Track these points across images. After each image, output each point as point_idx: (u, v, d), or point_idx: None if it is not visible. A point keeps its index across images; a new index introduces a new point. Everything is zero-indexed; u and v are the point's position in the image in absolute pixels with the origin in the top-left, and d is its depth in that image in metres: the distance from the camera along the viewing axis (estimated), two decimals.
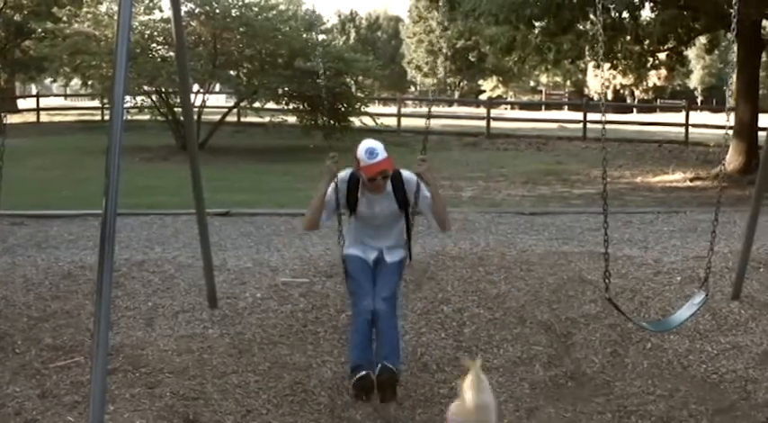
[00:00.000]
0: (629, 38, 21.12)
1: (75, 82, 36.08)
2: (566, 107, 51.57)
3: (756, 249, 7.94)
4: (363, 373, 5.51)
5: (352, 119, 26.30)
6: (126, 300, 7.28)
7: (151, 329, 6.82)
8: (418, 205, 6.09)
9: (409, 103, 38.04)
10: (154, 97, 25.14)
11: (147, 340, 6.63)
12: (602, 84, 6.76)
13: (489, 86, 70.32)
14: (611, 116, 35.05)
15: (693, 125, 29.81)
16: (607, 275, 5.53)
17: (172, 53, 24.43)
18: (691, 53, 43.49)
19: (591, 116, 30.39)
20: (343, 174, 6.08)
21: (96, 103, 32.85)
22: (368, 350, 5.70)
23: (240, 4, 25.21)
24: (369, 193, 6.06)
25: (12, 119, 31.63)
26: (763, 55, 22.39)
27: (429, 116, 6.85)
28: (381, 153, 5.88)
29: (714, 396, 6.23)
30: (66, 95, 48.08)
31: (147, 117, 25.94)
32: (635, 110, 52.41)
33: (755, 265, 8.09)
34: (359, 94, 26.84)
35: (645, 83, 59.96)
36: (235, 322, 6.98)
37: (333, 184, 6.02)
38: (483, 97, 60.10)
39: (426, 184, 6.11)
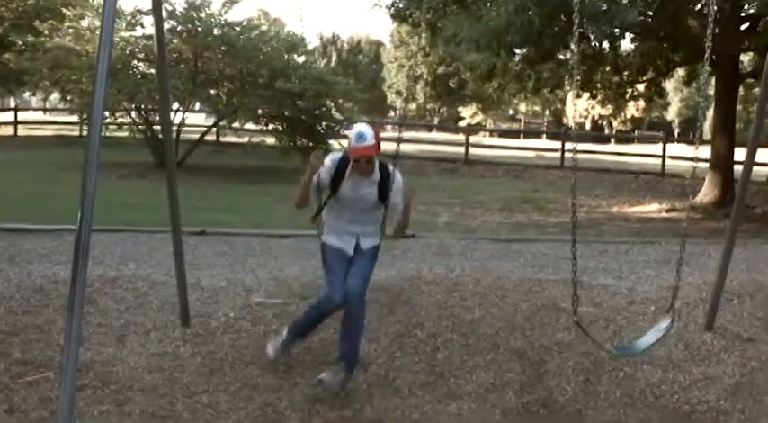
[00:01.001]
0: (608, 68, 21.28)
1: (55, 96, 35.96)
2: (544, 136, 51.84)
3: (730, 281, 7.99)
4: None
5: (331, 141, 26.30)
6: (98, 316, 7.23)
7: (122, 346, 6.77)
8: (390, 202, 6.36)
9: (389, 127, 38.09)
10: (133, 114, 25.04)
11: (118, 357, 6.57)
12: (575, 112, 6.80)
13: (469, 113, 70.65)
14: (588, 146, 35.32)
15: (670, 157, 30.03)
16: (575, 299, 5.55)
17: (152, 70, 24.38)
18: (669, 85, 43.91)
19: (569, 145, 30.56)
20: (335, 155, 6.49)
21: (75, 118, 32.71)
22: (308, 332, 6.55)
23: (222, 23, 25.19)
24: (356, 176, 6.35)
25: None
26: (741, 89, 22.57)
27: (399, 140, 7.00)
28: (369, 139, 6.17)
29: None
30: (45, 109, 47.94)
31: (125, 134, 25.82)
32: (612, 140, 52.73)
33: (729, 297, 8.14)
34: (338, 117, 26.84)
35: (623, 114, 60.51)
36: (207, 341, 6.94)
37: (322, 168, 6.29)
38: (462, 124, 60.33)
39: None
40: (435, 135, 47.12)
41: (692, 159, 6.92)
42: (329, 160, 6.41)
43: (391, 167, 6.44)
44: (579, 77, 20.36)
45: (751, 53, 22.54)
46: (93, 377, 6.19)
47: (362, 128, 6.24)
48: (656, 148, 32.93)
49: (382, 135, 7.19)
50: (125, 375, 6.29)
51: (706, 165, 20.28)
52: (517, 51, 19.59)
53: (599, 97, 23.88)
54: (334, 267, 6.26)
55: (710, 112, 20.04)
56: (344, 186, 6.36)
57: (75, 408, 4.70)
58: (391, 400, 6.38)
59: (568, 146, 29.72)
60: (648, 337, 6.13)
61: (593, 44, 19.34)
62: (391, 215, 6.43)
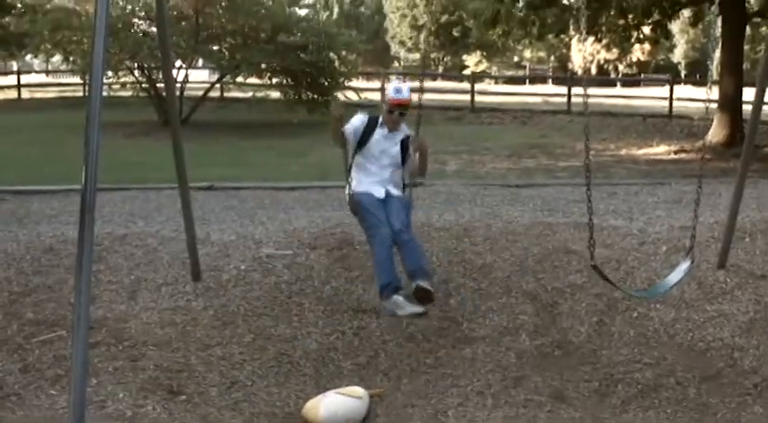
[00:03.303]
0: (613, 11, 21.03)
1: (57, 58, 35.73)
2: (550, 81, 51.48)
3: (741, 219, 7.94)
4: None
5: (335, 93, 26.16)
6: (108, 273, 7.21)
7: (134, 303, 6.76)
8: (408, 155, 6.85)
9: (393, 77, 37.85)
10: (136, 73, 24.92)
11: (130, 313, 6.57)
12: (583, 57, 6.75)
13: (473, 62, 70.08)
14: (595, 90, 35.04)
15: (678, 99, 29.79)
16: (592, 243, 5.50)
17: (153, 28, 24.22)
18: (674, 27, 43.50)
19: (575, 90, 30.35)
20: (363, 116, 6.89)
21: (78, 79, 32.48)
22: (394, 271, 6.35)
23: None
24: (386, 130, 6.82)
25: None
26: (748, 28, 22.30)
27: (421, 90, 7.09)
28: (405, 93, 6.86)
29: (701, 364, 6.23)
30: (47, 72, 47.64)
31: (128, 93, 25.70)
32: (619, 84, 52.34)
33: (741, 235, 8.09)
34: (342, 69, 26.65)
35: (629, 58, 59.92)
36: (219, 295, 6.94)
37: (348, 126, 6.76)
38: (467, 73, 59.93)
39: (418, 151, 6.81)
40: (440, 84, 46.81)
41: (700, 100, 6.85)
42: (358, 120, 6.83)
43: (407, 129, 6.93)
44: (584, 21, 20.14)
45: None
46: (107, 334, 6.19)
47: (399, 84, 6.95)
48: (663, 91, 32.67)
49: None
50: (138, 331, 6.29)
51: (714, 105, 20.12)
52: None
53: (604, 41, 23.61)
54: (373, 210, 6.52)
55: (718, 53, 19.73)
56: (373, 140, 6.77)
57: (90, 365, 4.70)
58: (405, 347, 6.39)
59: (575, 90, 29.54)
60: (669, 280, 6.11)
61: None
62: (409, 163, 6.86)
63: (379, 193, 6.67)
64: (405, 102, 6.84)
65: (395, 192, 6.77)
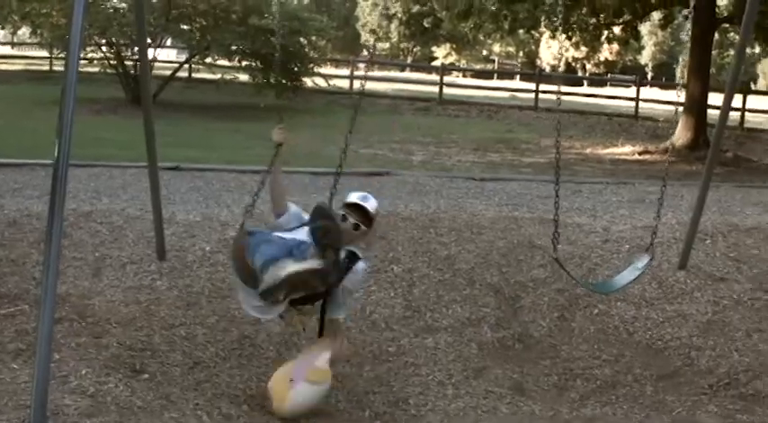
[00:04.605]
0: (585, 9, 21.19)
1: (23, 31, 35.30)
2: (518, 77, 51.64)
3: (703, 222, 8.04)
4: None
5: (304, 79, 26.11)
6: (73, 250, 7.17)
7: (98, 280, 6.74)
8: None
9: (361, 65, 37.79)
10: (104, 49, 24.69)
11: (94, 290, 6.55)
12: (551, 54, 6.79)
13: (442, 53, 70.17)
14: (562, 88, 35.22)
15: (643, 100, 30.08)
16: (556, 236, 5.56)
17: (124, 4, 24.03)
18: (643, 29, 43.76)
19: (543, 86, 30.53)
20: (299, 213, 5.53)
21: (45, 53, 32.11)
22: None
23: None
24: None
25: None
26: (716, 34, 22.52)
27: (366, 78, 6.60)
28: (371, 203, 5.36)
29: (658, 362, 6.33)
30: (13, 44, 47.09)
31: (96, 69, 25.45)
32: (586, 83, 52.65)
33: (702, 237, 8.21)
34: (312, 55, 26.59)
35: (597, 57, 60.27)
36: (183, 275, 6.93)
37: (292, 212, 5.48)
38: (436, 64, 59.98)
39: None
40: (409, 74, 46.85)
41: (667, 103, 6.93)
42: (295, 217, 5.48)
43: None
44: (556, 18, 20.28)
45: None
46: (70, 310, 6.16)
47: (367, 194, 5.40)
48: (630, 92, 32.96)
49: (355, 73, 7.03)
50: (102, 308, 6.27)
51: (680, 108, 20.31)
52: None
53: (574, 39, 23.78)
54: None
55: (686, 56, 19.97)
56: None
57: (53, 340, 4.67)
58: (368, 335, 6.43)
59: (543, 87, 29.72)
60: (627, 275, 6.18)
61: None
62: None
63: None
64: (365, 211, 5.24)
65: None
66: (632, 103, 30.04)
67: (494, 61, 74.24)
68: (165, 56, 30.16)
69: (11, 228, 7.55)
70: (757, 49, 26.40)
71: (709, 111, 19.63)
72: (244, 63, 25.67)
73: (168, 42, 28.68)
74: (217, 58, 26.16)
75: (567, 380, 6.07)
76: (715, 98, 21.92)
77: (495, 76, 54.76)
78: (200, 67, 28.60)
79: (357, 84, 31.41)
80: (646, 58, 71.55)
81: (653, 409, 5.70)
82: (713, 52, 22.77)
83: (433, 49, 71.53)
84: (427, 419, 5.34)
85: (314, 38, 26.38)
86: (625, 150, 20.01)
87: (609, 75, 62.21)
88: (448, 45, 69.02)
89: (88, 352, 5.56)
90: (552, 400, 5.79)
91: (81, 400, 4.58)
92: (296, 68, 25.48)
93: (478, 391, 5.76)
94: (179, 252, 7.29)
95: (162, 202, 7.40)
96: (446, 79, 32.77)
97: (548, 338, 6.61)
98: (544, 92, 29.92)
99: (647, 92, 34.19)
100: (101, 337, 5.81)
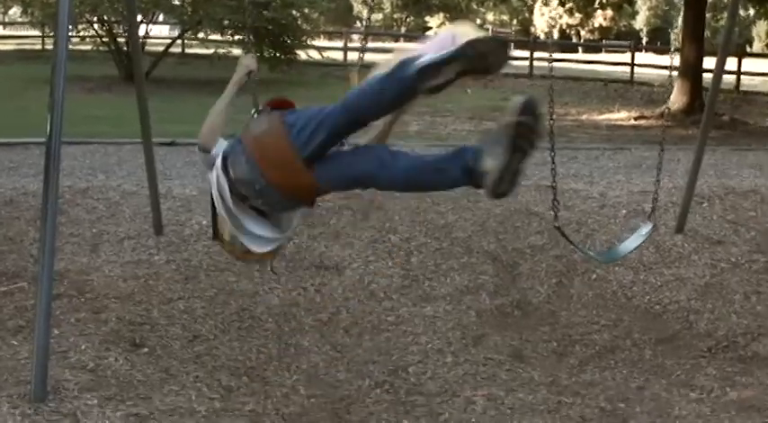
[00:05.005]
0: None
1: (14, 10, 35.11)
2: (512, 45, 51.42)
3: (699, 185, 8.05)
4: None
5: (297, 52, 25.99)
6: (70, 226, 7.17)
7: (96, 256, 6.75)
8: None
9: (355, 37, 37.62)
10: (96, 26, 24.55)
11: (93, 266, 6.56)
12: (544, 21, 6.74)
13: (436, 23, 69.90)
14: (557, 55, 35.08)
15: (639, 65, 29.96)
16: (556, 205, 5.54)
17: None
18: None
19: (537, 54, 30.39)
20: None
21: (37, 32, 31.95)
22: None
23: None
24: None
25: None
26: None
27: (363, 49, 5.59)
28: None
29: (657, 326, 6.35)
30: (4, 23, 46.90)
31: (88, 47, 25.30)
32: (580, 49, 52.46)
33: (699, 201, 8.22)
34: (305, 27, 26.44)
35: (591, 23, 60.03)
36: (181, 249, 6.93)
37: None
38: (429, 34, 59.71)
39: None
40: (403, 45, 46.64)
41: (662, 67, 6.90)
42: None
43: None
44: None
45: None
46: (69, 286, 6.18)
47: None
48: (625, 57, 32.82)
49: (349, 45, 6.88)
50: (100, 284, 6.29)
51: (675, 73, 20.24)
52: None
53: (568, 5, 23.66)
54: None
55: (680, 21, 19.91)
56: None
57: (52, 316, 4.69)
58: (366, 304, 6.44)
59: (537, 54, 29.61)
60: (630, 243, 6.17)
61: None
62: None
63: None
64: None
65: None
66: (627, 69, 29.92)
67: (488, 30, 74.01)
68: (158, 32, 30.01)
69: (7, 206, 7.55)
70: (751, 12, 26.30)
71: (705, 75, 19.56)
72: (236, 37, 25.53)
73: (161, 18, 28.51)
74: (209, 32, 26.00)
75: (565, 346, 6.09)
76: (710, 62, 21.93)
77: None
78: (194, 42, 28.44)
79: (351, 55, 31.34)
80: (640, 23, 71.29)
81: (652, 373, 5.71)
82: (707, 15, 22.67)
83: (427, 18, 71.26)
84: (427, 387, 5.36)
85: (306, 10, 26.22)
86: (621, 116, 19.95)
87: (603, 41, 62.02)
88: (441, 14, 68.73)
89: (87, 327, 5.58)
90: (551, 366, 5.80)
91: (81, 375, 4.61)
92: (288, 41, 25.34)
93: (477, 359, 5.78)
94: (176, 226, 7.30)
95: (158, 177, 7.39)
96: None
97: (546, 305, 6.62)
98: (538, 59, 29.80)
99: (642, 57, 34.07)
100: (100, 313, 5.83)
